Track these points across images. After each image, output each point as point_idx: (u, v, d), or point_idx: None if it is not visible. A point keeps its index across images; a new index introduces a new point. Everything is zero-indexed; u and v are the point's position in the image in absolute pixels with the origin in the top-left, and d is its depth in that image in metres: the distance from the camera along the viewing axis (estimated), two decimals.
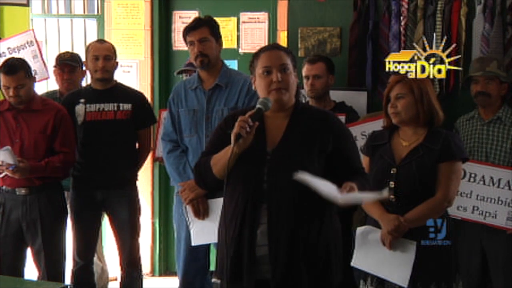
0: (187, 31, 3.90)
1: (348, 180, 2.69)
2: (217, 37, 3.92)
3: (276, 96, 2.77)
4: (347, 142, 2.87)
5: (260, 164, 2.75)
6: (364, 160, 3.41)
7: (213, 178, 2.80)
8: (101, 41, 4.53)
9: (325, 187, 2.62)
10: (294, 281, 2.73)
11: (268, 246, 2.72)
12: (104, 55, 4.29)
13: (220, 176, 2.76)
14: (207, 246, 4.02)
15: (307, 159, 2.75)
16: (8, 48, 4.73)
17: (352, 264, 3.36)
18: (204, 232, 3.75)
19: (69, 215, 4.32)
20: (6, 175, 3.96)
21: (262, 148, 2.76)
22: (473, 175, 3.83)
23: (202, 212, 3.76)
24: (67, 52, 4.93)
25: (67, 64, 4.71)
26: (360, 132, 3.80)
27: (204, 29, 3.87)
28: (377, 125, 3.62)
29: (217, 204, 3.60)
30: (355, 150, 2.93)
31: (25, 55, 4.65)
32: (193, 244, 3.82)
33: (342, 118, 4.00)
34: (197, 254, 3.99)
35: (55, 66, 4.77)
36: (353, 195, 2.65)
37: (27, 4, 5.06)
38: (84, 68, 4.62)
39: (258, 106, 2.72)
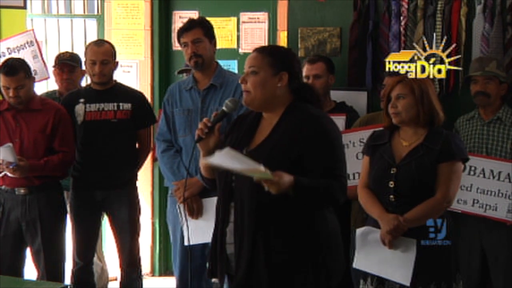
0: (181, 32, 3.90)
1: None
2: (211, 37, 3.91)
3: (243, 98, 2.84)
4: (320, 147, 2.70)
5: None
6: (365, 160, 3.42)
7: (202, 176, 2.96)
8: (99, 43, 4.43)
9: (241, 165, 2.54)
10: (254, 281, 2.72)
11: (234, 244, 2.76)
12: (101, 59, 4.24)
13: (205, 174, 2.92)
14: (205, 246, 3.99)
15: (277, 162, 2.65)
16: (8, 48, 4.71)
17: (353, 265, 3.35)
18: (198, 231, 3.74)
19: (68, 215, 4.32)
20: (5, 174, 3.96)
21: (239, 149, 2.74)
22: (473, 168, 3.82)
23: (195, 211, 3.77)
24: (67, 52, 4.92)
25: (67, 64, 4.70)
26: (359, 138, 3.79)
27: (197, 30, 3.87)
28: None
29: (211, 203, 3.60)
30: (332, 156, 2.72)
31: (25, 55, 4.64)
32: (185, 244, 3.78)
33: (343, 118, 4.00)
34: (194, 254, 3.97)
35: (54, 66, 4.76)
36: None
37: (24, 7, 5.05)
38: (83, 68, 4.61)
39: (222, 107, 2.84)
